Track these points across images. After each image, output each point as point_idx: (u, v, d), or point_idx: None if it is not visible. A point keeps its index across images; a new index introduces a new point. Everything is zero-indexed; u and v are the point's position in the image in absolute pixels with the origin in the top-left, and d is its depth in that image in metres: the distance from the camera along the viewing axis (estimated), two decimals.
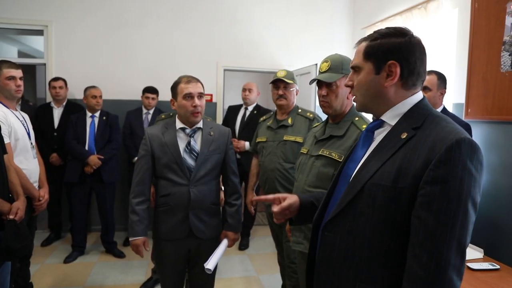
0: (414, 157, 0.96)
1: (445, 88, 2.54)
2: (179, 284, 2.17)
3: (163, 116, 2.98)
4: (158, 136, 2.03)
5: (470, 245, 2.14)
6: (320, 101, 1.90)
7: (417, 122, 1.02)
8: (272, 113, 2.77)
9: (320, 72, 1.88)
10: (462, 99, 2.88)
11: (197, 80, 2.04)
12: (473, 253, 2.08)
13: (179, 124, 2.06)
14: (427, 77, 2.48)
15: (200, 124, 2.08)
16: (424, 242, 0.91)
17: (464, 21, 2.93)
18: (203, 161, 2.03)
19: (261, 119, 2.84)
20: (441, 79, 2.52)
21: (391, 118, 1.08)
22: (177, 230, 2.03)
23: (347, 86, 1.17)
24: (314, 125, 2.12)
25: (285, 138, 2.51)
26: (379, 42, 1.06)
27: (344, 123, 1.85)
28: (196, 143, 2.06)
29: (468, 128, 2.40)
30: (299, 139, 2.47)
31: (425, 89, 2.48)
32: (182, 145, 2.03)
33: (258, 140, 2.70)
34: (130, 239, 2.02)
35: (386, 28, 1.10)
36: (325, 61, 1.89)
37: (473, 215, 0.92)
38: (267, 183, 2.55)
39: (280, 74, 2.55)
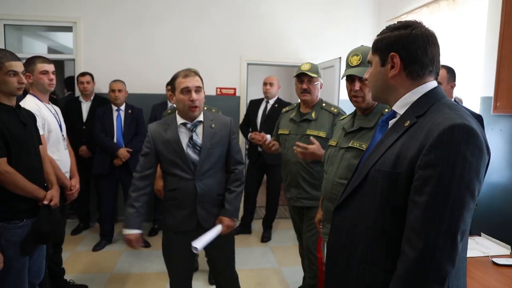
0: (411, 143, 0.99)
1: (455, 81, 2.54)
2: (188, 276, 2.21)
3: (169, 111, 3.01)
4: (161, 133, 2.02)
5: (496, 241, 2.12)
6: (351, 96, 1.87)
7: (421, 110, 1.04)
8: (295, 105, 2.71)
9: (351, 66, 1.84)
10: (490, 93, 2.81)
11: (195, 74, 2.00)
12: (499, 249, 2.04)
13: (180, 120, 2.04)
14: None
15: (201, 117, 2.06)
16: (414, 224, 0.93)
17: (494, 11, 2.84)
18: (206, 155, 2.02)
19: (284, 110, 2.80)
20: (450, 72, 2.51)
21: (400, 107, 1.12)
22: (185, 223, 2.05)
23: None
24: (342, 118, 2.11)
25: (308, 132, 2.48)
26: (384, 36, 1.12)
27: (374, 115, 1.85)
28: (198, 137, 2.04)
29: (479, 120, 2.30)
30: (322, 134, 2.44)
31: None
32: (184, 141, 2.02)
33: (280, 132, 2.67)
34: (124, 232, 2.00)
35: (396, 23, 1.14)
36: (355, 54, 1.84)
37: (469, 201, 0.92)
38: (289, 176, 2.54)
39: (304, 68, 2.48)
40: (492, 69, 2.78)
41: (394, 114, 1.15)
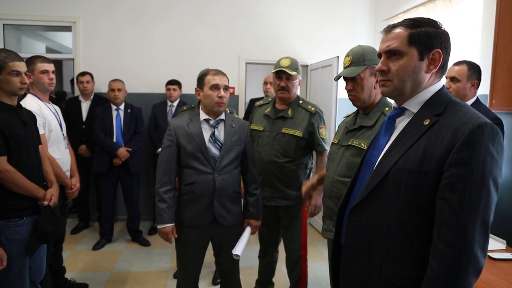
0: (438, 142, 1.00)
1: (478, 79, 2.39)
2: (198, 271, 2.24)
3: (185, 108, 3.08)
4: (183, 127, 2.11)
5: (493, 236, 2.14)
6: (348, 96, 1.91)
7: (439, 109, 1.06)
8: (270, 99, 2.62)
9: (344, 67, 1.90)
10: (486, 91, 2.83)
11: (224, 74, 2.14)
12: (495, 244, 2.06)
13: (203, 116, 2.14)
14: (457, 68, 2.40)
15: (222, 116, 2.17)
16: (449, 221, 0.95)
17: (489, 10, 2.88)
18: (227, 151, 2.11)
19: (257, 103, 2.70)
20: (472, 69, 2.37)
21: (413, 106, 1.12)
22: (201, 217, 2.11)
23: (379, 71, 1.15)
24: (346, 115, 2.12)
25: (283, 130, 2.41)
26: (424, 29, 1.08)
27: (374, 114, 1.86)
28: (220, 134, 2.14)
29: (499, 123, 2.25)
30: (298, 133, 2.39)
31: (453, 79, 2.38)
32: (206, 136, 2.11)
33: (253, 127, 2.56)
34: (158, 227, 2.08)
35: (419, 17, 1.13)
36: (347, 55, 1.89)
37: (495, 195, 0.97)
38: (262, 175, 2.46)
39: (284, 64, 2.38)
40: (488, 67, 2.81)
41: (402, 111, 1.15)
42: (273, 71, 2.45)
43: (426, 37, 1.08)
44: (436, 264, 0.96)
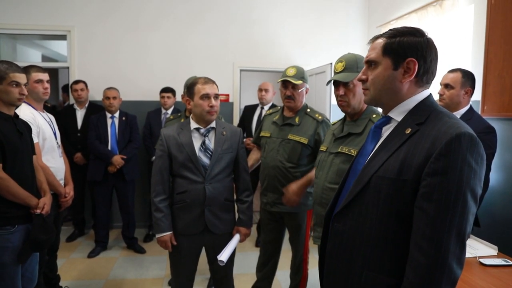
0: (416, 151, 1.01)
1: (472, 87, 2.38)
2: (191, 279, 2.25)
3: (171, 117, 3.12)
4: (174, 137, 2.12)
5: (484, 242, 2.15)
6: (338, 101, 1.92)
7: (421, 118, 1.07)
8: (279, 108, 2.65)
9: (336, 73, 1.90)
10: (478, 97, 2.87)
11: (213, 82, 2.14)
12: (487, 250, 2.07)
13: (193, 125, 2.15)
14: (451, 75, 2.39)
15: (213, 124, 2.17)
16: (425, 230, 0.95)
17: (480, 17, 2.91)
18: (217, 160, 2.12)
19: (267, 112, 2.75)
20: (466, 77, 2.37)
21: (398, 114, 1.13)
22: (193, 226, 2.12)
23: (360, 80, 1.19)
24: (332, 123, 2.13)
25: (289, 137, 2.42)
26: (399, 39, 1.10)
27: (362, 121, 1.88)
28: (210, 142, 2.14)
29: (491, 131, 2.27)
30: (304, 140, 2.38)
31: (447, 86, 2.38)
32: (197, 145, 2.12)
33: (262, 134, 2.61)
34: (157, 236, 2.09)
35: (403, 27, 1.14)
36: (340, 61, 1.91)
37: (473, 206, 0.96)
38: (266, 180, 2.50)
39: (289, 73, 2.41)
40: (479, 73, 2.84)
41: (388, 120, 1.16)
42: (279, 80, 2.47)
43: (399, 47, 1.09)
44: (411, 273, 0.97)
